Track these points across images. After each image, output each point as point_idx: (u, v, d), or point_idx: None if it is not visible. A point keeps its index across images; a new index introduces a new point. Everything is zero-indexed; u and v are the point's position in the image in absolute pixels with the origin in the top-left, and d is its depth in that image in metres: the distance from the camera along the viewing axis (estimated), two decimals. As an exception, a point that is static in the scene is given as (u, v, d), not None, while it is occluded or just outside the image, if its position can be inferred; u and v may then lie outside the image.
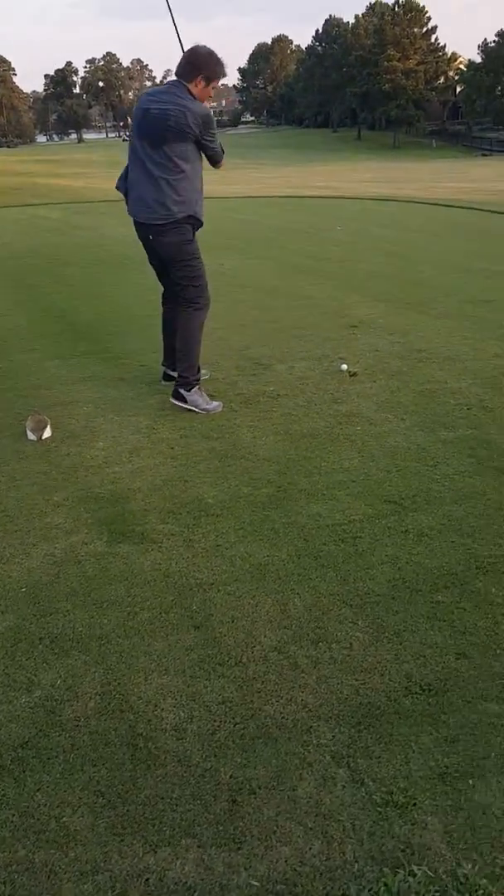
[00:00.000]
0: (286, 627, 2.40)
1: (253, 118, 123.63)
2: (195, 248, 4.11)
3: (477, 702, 2.07)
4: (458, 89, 76.40)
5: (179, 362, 4.20)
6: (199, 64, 3.80)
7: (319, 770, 1.88)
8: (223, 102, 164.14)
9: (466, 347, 5.15)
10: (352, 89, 76.24)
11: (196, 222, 4.07)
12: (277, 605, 2.51)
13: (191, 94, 3.81)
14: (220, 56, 3.89)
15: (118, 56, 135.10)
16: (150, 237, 4.04)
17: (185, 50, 3.87)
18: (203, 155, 3.97)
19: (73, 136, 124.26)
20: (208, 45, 3.88)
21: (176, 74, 3.90)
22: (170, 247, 4.05)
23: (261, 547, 2.86)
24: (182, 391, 4.17)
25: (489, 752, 1.91)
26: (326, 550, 2.82)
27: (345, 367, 4.71)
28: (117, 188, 4.16)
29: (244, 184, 24.26)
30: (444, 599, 2.51)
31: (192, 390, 4.16)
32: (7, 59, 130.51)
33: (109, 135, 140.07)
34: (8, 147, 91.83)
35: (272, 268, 8.26)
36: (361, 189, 22.35)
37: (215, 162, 4.02)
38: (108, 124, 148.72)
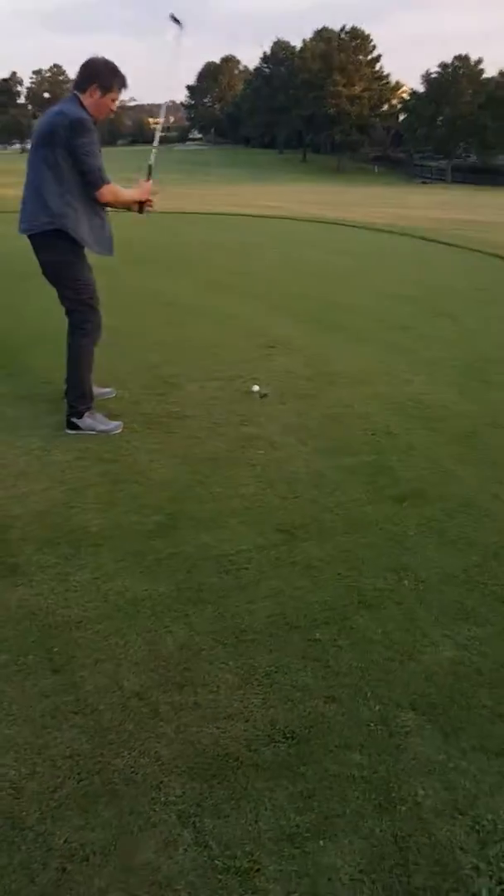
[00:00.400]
0: (152, 670, 2.25)
1: (200, 136, 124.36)
2: (76, 270, 3.83)
3: (340, 751, 1.96)
4: (402, 117, 78.22)
5: (69, 391, 4.00)
6: (92, 73, 3.64)
7: (163, 831, 1.74)
8: (171, 119, 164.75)
9: (379, 372, 5.11)
10: (297, 112, 77.20)
11: (71, 240, 3.73)
12: (147, 646, 2.36)
13: (82, 104, 3.65)
14: (117, 67, 3.75)
15: (65, 68, 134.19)
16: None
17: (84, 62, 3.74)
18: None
19: (17, 145, 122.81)
20: (107, 57, 3.75)
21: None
22: (45, 265, 3.85)
23: (139, 580, 2.71)
24: (74, 420, 3.99)
25: (344, 809, 1.79)
26: (208, 584, 2.69)
27: (256, 388, 4.61)
28: None
29: (182, 199, 24.19)
30: (322, 637, 2.40)
31: (84, 415, 3.99)
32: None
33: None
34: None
35: (197, 286, 8.14)
36: (301, 210, 22.49)
37: (90, 183, 3.65)
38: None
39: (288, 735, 2.01)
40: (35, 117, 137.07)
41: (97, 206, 3.76)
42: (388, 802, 1.81)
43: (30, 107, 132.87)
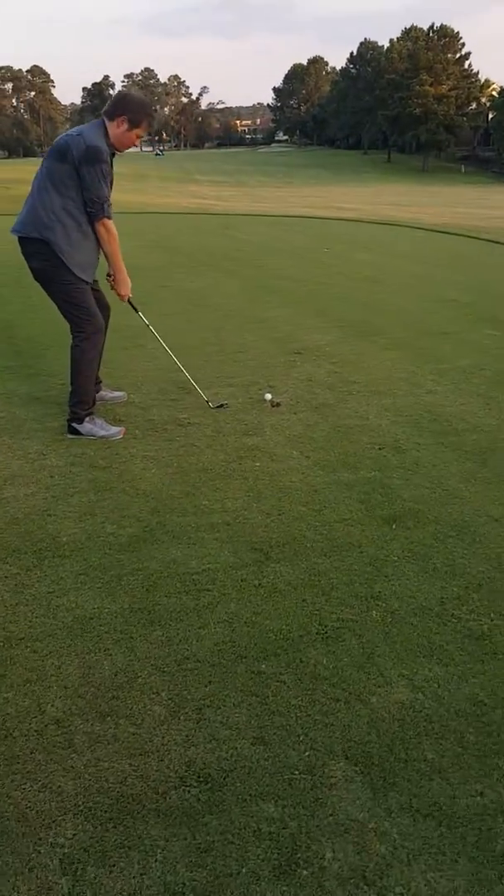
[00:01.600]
0: (80, 696, 2.14)
1: (286, 137, 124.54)
2: (63, 273, 3.74)
3: (253, 801, 1.79)
4: (491, 116, 76.13)
5: (70, 396, 3.95)
6: (125, 106, 3.69)
7: (40, 877, 1.62)
8: (258, 121, 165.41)
9: (402, 381, 4.87)
10: (383, 112, 76.20)
11: (52, 253, 3.69)
12: (82, 669, 2.25)
13: (106, 132, 3.66)
14: (150, 106, 3.82)
15: (156, 72, 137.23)
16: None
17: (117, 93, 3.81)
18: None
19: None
20: (143, 95, 3.83)
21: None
22: (33, 270, 3.85)
23: (94, 597, 2.60)
24: (74, 425, 3.93)
25: (240, 868, 1.63)
26: (164, 604, 2.56)
27: (269, 396, 4.45)
28: None
29: (261, 202, 24.20)
30: (267, 669, 2.23)
31: (85, 421, 3.93)
32: (47, 71, 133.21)
33: (144, 149, 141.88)
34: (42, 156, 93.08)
35: (241, 288, 8.04)
36: (374, 211, 22.14)
37: (89, 210, 3.65)
38: (144, 138, 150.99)
39: (202, 778, 1.86)
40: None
41: (92, 232, 3.75)
42: (290, 864, 1.64)
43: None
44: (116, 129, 3.67)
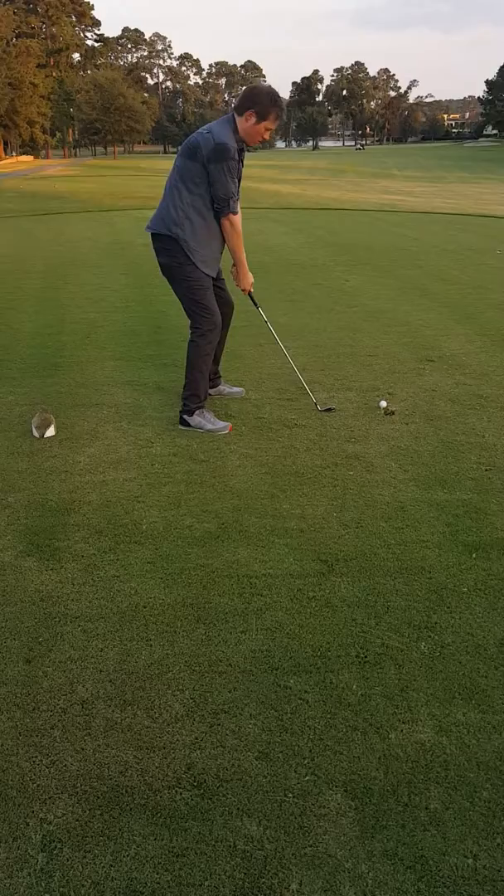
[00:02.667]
0: (111, 681, 2.23)
1: (495, 132, 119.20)
2: (189, 271, 3.88)
3: (238, 816, 1.79)
4: None
5: (184, 388, 4.07)
6: (253, 100, 3.72)
7: (20, 849, 1.71)
8: (466, 115, 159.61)
9: (537, 399, 4.55)
10: None
11: (179, 250, 3.84)
12: (121, 655, 2.34)
13: (236, 128, 3.72)
14: (279, 99, 3.82)
15: (366, 66, 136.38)
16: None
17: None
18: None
19: (311, 142, 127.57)
20: (272, 88, 3.84)
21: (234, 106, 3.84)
22: (161, 266, 3.99)
23: (154, 586, 2.69)
24: (185, 417, 4.06)
25: (203, 880, 1.64)
26: (215, 603, 2.59)
27: (384, 403, 4.34)
28: None
29: (445, 198, 23.42)
30: (294, 685, 2.21)
31: (195, 414, 4.04)
32: (259, 66, 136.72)
33: (346, 143, 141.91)
34: (247, 151, 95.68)
35: (393, 288, 7.84)
36: None
37: (216, 207, 3.76)
38: (347, 133, 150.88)
39: (197, 783, 1.88)
40: (331, 115, 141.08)
41: (218, 228, 3.85)
42: (253, 888, 1.62)
43: (326, 104, 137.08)
44: (245, 123, 3.71)
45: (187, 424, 4.07)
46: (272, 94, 3.80)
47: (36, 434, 3.99)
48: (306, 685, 2.21)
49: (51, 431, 4.01)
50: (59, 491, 3.40)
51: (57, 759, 1.96)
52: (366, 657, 2.32)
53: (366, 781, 1.88)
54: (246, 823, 1.77)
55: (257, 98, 3.71)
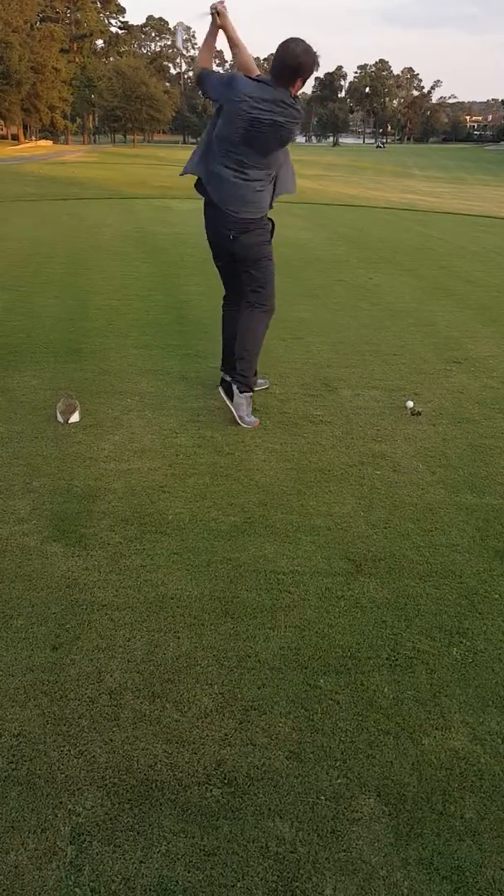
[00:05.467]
0: (139, 672, 2.20)
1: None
2: (271, 251, 4.01)
3: (270, 816, 1.76)
4: None
5: (240, 361, 4.02)
6: (299, 67, 3.58)
7: (49, 840, 1.69)
8: (489, 117, 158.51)
9: None
10: None
11: (271, 223, 3.98)
12: (148, 646, 2.31)
13: (293, 98, 3.66)
14: (314, 50, 3.66)
15: (390, 63, 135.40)
16: (232, 235, 3.88)
17: (280, 47, 3.65)
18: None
19: (331, 139, 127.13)
20: (304, 41, 3.63)
21: (274, 75, 3.68)
22: (251, 247, 3.93)
23: (181, 578, 2.66)
24: (236, 389, 4.01)
25: (236, 881, 1.61)
26: (242, 598, 2.56)
27: (411, 403, 4.29)
28: (192, 172, 3.96)
29: (465, 199, 23.27)
30: (325, 685, 2.17)
31: (244, 395, 4.00)
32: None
33: (367, 140, 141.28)
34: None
35: (417, 288, 7.77)
36: None
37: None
38: (367, 130, 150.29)
39: (227, 781, 1.85)
40: (352, 112, 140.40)
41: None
42: (286, 890, 1.59)
43: (348, 101, 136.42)
44: (294, 90, 3.64)
45: (230, 396, 4.06)
46: (310, 51, 3.59)
47: (60, 419, 3.96)
48: (337, 686, 2.17)
49: (75, 417, 3.98)
50: (84, 477, 3.36)
51: (85, 749, 1.93)
52: (396, 660, 2.29)
53: (399, 787, 1.85)
54: (278, 824, 1.74)
55: (302, 65, 3.56)
